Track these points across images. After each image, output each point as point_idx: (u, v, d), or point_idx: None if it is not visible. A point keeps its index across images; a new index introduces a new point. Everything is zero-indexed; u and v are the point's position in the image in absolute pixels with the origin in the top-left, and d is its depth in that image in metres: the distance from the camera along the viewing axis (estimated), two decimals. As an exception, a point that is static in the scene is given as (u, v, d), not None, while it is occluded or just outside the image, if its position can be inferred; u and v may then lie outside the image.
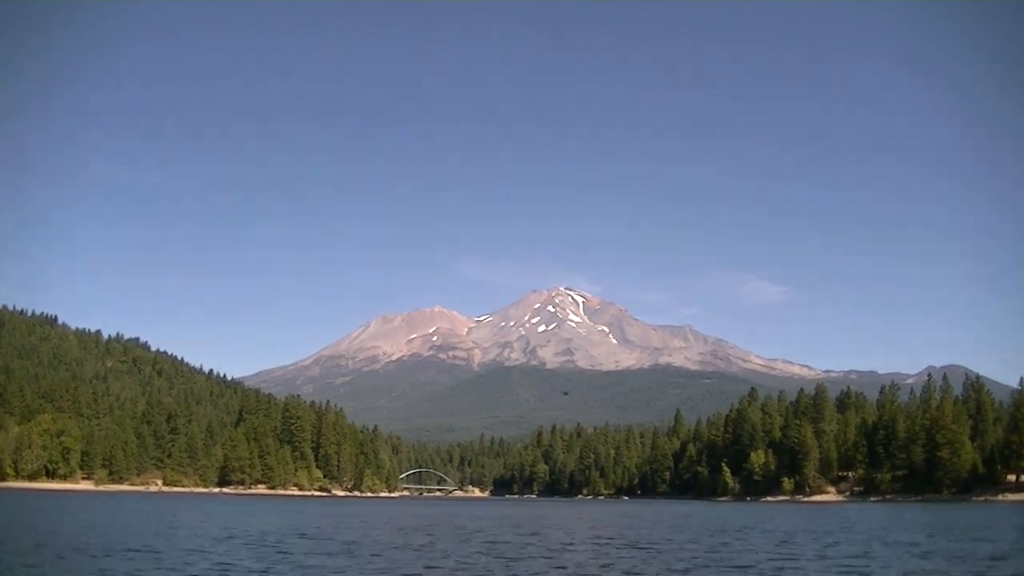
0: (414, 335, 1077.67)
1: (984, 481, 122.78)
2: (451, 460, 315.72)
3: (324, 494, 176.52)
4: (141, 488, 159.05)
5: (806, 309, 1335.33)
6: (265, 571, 22.41)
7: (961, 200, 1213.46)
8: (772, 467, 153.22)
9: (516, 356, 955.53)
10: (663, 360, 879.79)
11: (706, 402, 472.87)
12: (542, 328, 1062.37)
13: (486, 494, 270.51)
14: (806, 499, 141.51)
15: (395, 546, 30.93)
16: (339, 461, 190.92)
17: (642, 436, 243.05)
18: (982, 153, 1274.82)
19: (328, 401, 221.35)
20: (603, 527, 48.06)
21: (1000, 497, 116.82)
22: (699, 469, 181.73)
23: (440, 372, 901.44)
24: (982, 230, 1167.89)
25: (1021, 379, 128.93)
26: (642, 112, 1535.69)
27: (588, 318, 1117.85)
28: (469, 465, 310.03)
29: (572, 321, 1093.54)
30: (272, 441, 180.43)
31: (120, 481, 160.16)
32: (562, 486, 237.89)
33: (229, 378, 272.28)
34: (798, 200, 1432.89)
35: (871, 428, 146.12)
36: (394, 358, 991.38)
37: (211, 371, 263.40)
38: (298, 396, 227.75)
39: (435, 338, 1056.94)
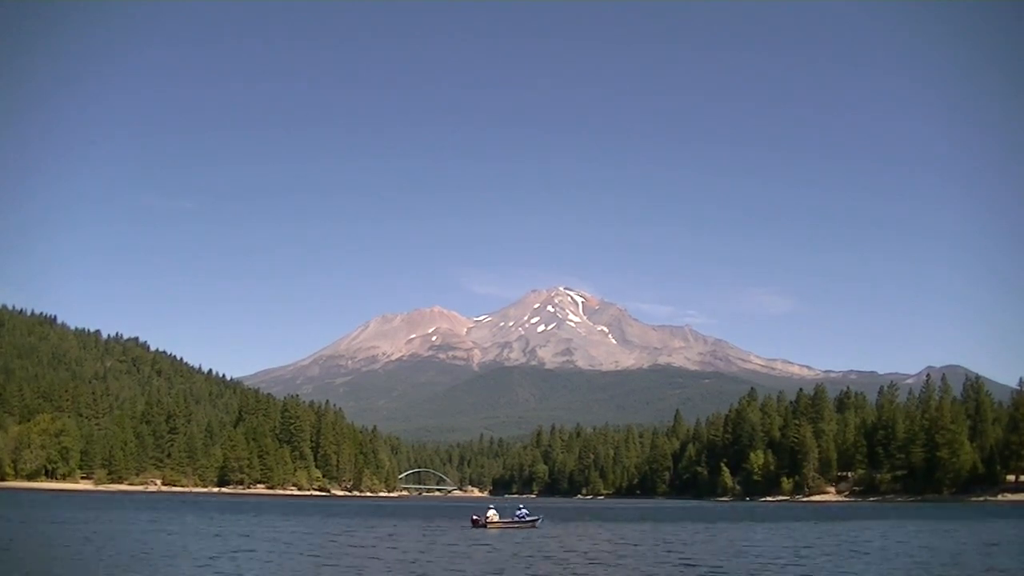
0: (414, 335, 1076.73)
1: (983, 481, 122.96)
2: (451, 460, 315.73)
3: (323, 494, 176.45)
4: (140, 488, 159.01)
5: (807, 311, 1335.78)
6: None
7: (961, 200, 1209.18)
8: (772, 467, 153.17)
9: (516, 356, 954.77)
10: (663, 360, 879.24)
11: (706, 402, 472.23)
12: (541, 328, 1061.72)
13: (485, 494, 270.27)
14: (805, 499, 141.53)
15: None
16: (338, 461, 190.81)
17: (642, 436, 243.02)
18: (982, 153, 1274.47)
19: (327, 401, 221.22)
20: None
21: (999, 497, 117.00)
22: (699, 469, 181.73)
23: (440, 372, 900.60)
24: (982, 230, 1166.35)
25: (1021, 379, 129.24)
26: (644, 114, 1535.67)
27: (588, 318, 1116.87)
28: (468, 465, 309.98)
29: (572, 321, 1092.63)
30: (271, 441, 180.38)
31: (119, 481, 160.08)
32: (562, 486, 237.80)
33: (229, 378, 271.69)
34: (798, 202, 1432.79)
35: (871, 428, 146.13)
36: (394, 358, 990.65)
37: (211, 371, 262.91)
38: (297, 396, 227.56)
39: (435, 338, 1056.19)
